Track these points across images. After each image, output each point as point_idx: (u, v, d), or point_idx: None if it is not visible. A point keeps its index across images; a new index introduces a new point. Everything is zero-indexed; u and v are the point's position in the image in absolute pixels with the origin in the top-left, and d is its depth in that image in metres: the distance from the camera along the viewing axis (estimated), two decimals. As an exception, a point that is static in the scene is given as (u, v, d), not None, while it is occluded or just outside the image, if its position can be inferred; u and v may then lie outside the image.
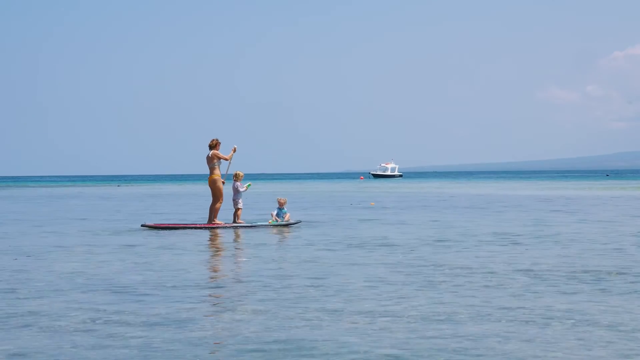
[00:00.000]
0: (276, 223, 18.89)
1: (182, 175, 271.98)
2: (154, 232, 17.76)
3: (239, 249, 14.24)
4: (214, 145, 19.12)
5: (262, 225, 18.89)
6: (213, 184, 19.08)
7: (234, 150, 19.11)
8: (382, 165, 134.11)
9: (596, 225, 18.56)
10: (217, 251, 13.85)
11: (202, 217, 22.72)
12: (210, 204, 19.23)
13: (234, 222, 19.08)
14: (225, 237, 16.63)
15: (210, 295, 8.72)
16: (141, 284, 9.56)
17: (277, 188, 68.92)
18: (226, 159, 19.06)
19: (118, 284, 9.54)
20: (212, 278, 10.23)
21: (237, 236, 16.73)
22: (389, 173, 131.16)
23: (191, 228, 18.56)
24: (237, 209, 19.24)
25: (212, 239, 16.22)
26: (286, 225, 18.83)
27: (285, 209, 19.39)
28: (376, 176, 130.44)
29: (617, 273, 10.02)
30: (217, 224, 18.88)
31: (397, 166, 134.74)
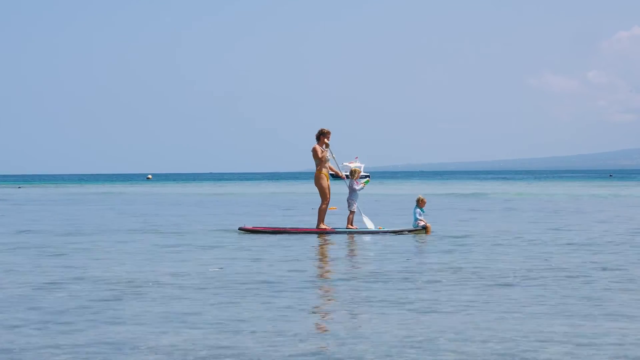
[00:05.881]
0: (416, 228, 18.84)
1: (108, 175, 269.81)
2: (251, 235, 18.46)
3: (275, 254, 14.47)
4: (317, 137, 19.19)
5: (379, 232, 18.80)
6: (315, 182, 19.20)
7: (327, 146, 19.14)
8: (345, 164, 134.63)
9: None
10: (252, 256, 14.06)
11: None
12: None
13: (347, 226, 19.13)
14: (312, 242, 16.94)
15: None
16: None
17: (227, 191, 68.93)
18: (319, 159, 19.02)
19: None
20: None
21: (324, 242, 17.03)
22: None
23: (294, 233, 18.79)
24: (350, 212, 19.29)
25: (300, 244, 16.38)
26: (400, 232, 18.76)
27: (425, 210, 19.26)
28: (335, 177, 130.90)
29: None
30: (324, 228, 18.91)
31: (362, 165, 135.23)
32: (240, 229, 19.37)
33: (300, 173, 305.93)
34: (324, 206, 19.01)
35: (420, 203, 19.08)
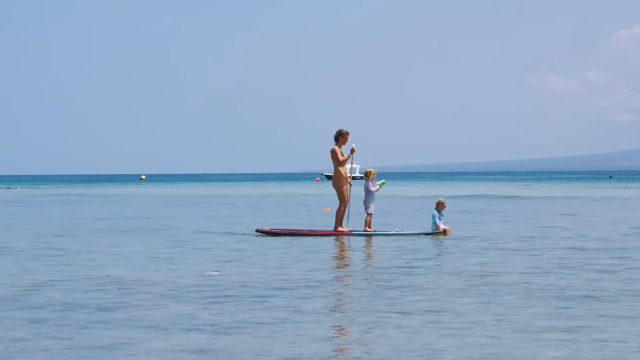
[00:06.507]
0: (434, 231, 18.76)
1: (102, 176, 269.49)
2: (268, 238, 18.46)
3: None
4: (336, 138, 19.15)
5: (397, 235, 18.78)
6: (334, 184, 19.18)
7: (352, 151, 19.05)
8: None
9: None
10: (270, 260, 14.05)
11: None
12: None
13: (364, 229, 19.09)
14: (329, 245, 16.91)
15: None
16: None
17: (223, 192, 68.88)
18: (339, 162, 18.96)
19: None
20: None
21: (341, 244, 17.05)
22: None
23: (312, 235, 18.81)
24: (367, 214, 19.22)
25: (314, 247, 16.35)
26: (419, 234, 18.72)
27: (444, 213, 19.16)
28: (330, 178, 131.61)
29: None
30: (341, 231, 18.90)
31: (358, 166, 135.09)
32: (257, 230, 19.40)
33: (296, 174, 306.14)
34: (342, 208, 19.01)
35: (439, 206, 19.04)
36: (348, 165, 19.49)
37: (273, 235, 18.82)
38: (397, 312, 8.96)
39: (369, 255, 15.32)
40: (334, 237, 18.46)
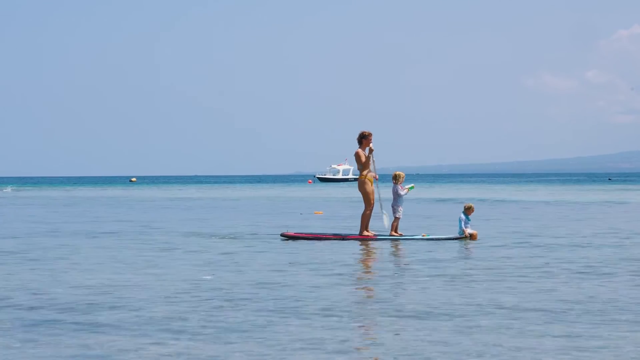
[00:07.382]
0: (461, 235, 18.64)
1: (91, 178, 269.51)
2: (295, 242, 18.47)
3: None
4: (359, 141, 19.17)
5: (423, 239, 18.69)
6: (359, 187, 19.14)
7: (371, 151, 19.03)
8: (334, 167, 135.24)
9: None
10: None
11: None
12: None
13: (391, 233, 19.03)
14: (352, 250, 16.85)
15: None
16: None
17: (214, 194, 68.91)
18: (362, 163, 18.95)
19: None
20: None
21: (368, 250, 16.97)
22: (340, 176, 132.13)
23: (337, 239, 18.82)
24: (394, 218, 19.19)
25: (335, 251, 16.34)
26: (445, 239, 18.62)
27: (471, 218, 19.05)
28: (324, 180, 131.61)
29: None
30: (367, 235, 18.86)
31: (351, 168, 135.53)
32: (282, 234, 19.48)
33: (289, 176, 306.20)
34: (367, 212, 18.97)
35: (468, 211, 19.00)
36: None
37: (297, 239, 18.85)
38: (394, 316, 9.00)
39: (378, 260, 15.35)
40: (359, 242, 18.43)
